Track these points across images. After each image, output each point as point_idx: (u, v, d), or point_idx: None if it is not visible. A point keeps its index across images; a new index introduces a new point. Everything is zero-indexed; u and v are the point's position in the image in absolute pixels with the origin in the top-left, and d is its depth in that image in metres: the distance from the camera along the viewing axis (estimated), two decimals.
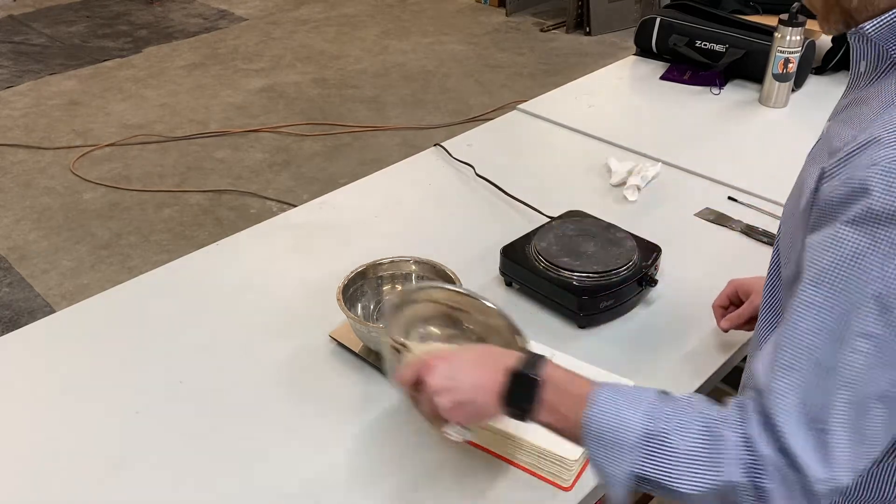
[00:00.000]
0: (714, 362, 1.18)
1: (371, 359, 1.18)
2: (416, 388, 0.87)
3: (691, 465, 0.72)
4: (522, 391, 0.80)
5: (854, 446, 0.70)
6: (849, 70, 0.82)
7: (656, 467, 0.73)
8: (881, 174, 0.67)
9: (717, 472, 0.72)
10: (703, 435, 0.73)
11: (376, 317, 1.26)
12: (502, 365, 0.82)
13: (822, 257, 0.71)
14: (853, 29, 0.78)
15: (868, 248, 0.68)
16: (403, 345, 0.93)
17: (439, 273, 1.24)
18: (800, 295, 0.72)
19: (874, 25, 0.76)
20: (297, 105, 4.08)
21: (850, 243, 0.69)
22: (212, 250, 1.47)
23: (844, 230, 0.70)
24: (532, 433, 1.02)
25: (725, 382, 1.35)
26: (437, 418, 0.87)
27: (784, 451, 0.70)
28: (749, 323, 1.14)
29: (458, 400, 0.83)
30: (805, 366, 0.71)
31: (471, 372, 0.84)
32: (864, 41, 0.77)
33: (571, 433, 0.79)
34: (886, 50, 0.76)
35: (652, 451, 0.73)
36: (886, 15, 0.75)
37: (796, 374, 0.71)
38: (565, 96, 2.06)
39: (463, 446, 1.05)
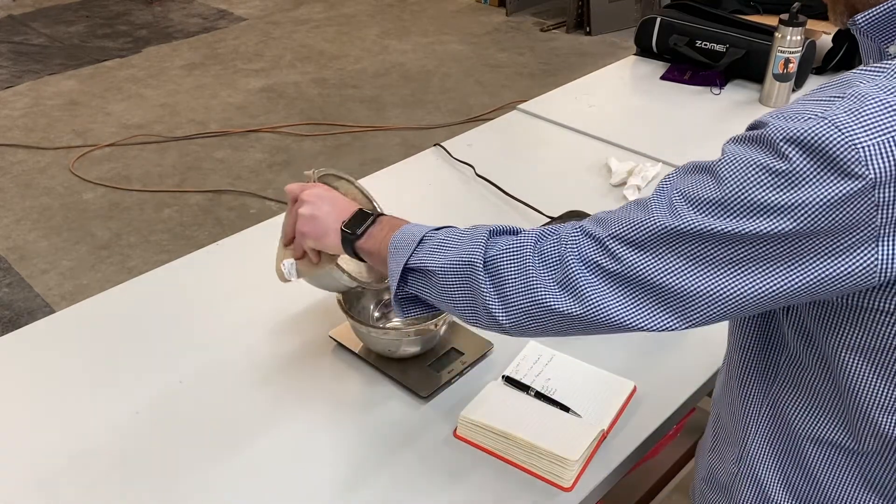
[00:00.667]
0: (715, 362, 1.18)
1: (371, 359, 1.18)
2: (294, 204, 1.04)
3: (443, 247, 0.85)
4: (358, 221, 0.97)
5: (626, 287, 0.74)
6: (849, 70, 0.81)
7: (419, 255, 0.87)
8: (777, 116, 0.68)
9: (461, 248, 0.83)
10: (463, 231, 0.86)
11: (377, 316, 1.26)
12: (354, 208, 1.00)
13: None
14: (851, 20, 0.77)
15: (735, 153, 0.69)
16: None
17: None
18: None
19: (865, 17, 0.75)
20: (297, 105, 4.08)
21: (727, 152, 0.71)
22: (212, 250, 1.47)
23: (726, 145, 0.72)
24: (532, 433, 1.02)
25: None
26: (289, 241, 1.05)
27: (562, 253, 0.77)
28: None
29: (313, 213, 1.00)
30: (626, 210, 0.76)
31: (335, 205, 1.01)
32: (862, 35, 0.77)
33: (382, 256, 0.92)
34: (883, 47, 0.75)
35: (422, 245, 0.87)
36: (880, 6, 0.74)
37: (619, 213, 0.76)
38: (565, 96, 2.06)
39: (466, 446, 1.05)
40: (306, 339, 1.24)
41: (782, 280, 0.68)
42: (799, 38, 1.84)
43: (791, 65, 1.86)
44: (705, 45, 2.05)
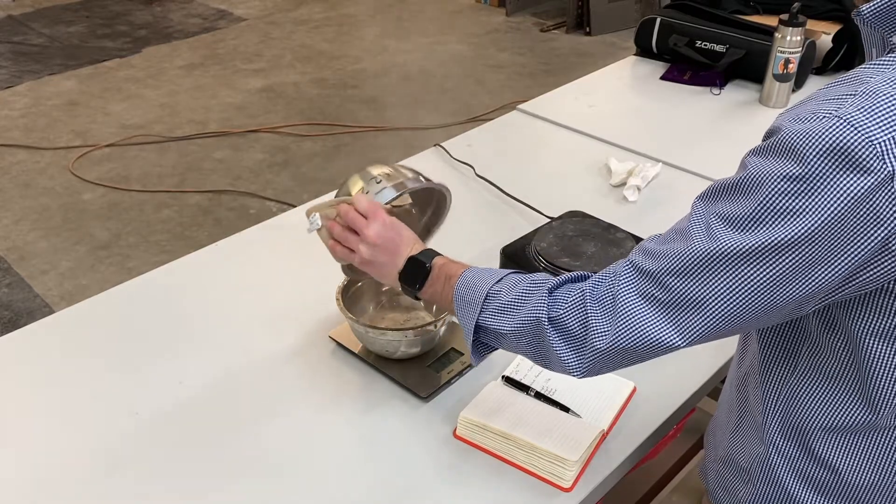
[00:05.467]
0: (715, 363, 1.18)
1: (371, 359, 1.18)
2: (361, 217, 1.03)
3: (508, 309, 0.88)
4: (414, 274, 1.00)
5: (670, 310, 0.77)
6: (848, 71, 0.82)
7: (487, 315, 0.90)
8: (790, 119, 0.71)
9: (526, 311, 0.86)
10: (525, 288, 0.88)
11: (372, 315, 1.26)
12: (407, 253, 1.01)
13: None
14: (856, 10, 0.79)
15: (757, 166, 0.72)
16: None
17: None
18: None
19: (869, 7, 0.77)
20: (297, 105, 4.07)
21: (749, 165, 0.73)
22: (211, 251, 1.47)
23: (747, 157, 0.75)
24: (532, 433, 1.02)
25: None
26: (339, 245, 1.05)
27: (606, 294, 0.81)
28: None
29: (373, 260, 1.02)
30: (667, 241, 0.79)
31: (395, 252, 1.02)
32: (866, 25, 0.78)
33: (447, 306, 0.96)
34: (886, 37, 0.77)
35: (488, 304, 0.90)
36: None
37: (659, 249, 0.79)
38: (565, 96, 2.05)
39: (466, 447, 1.05)
40: (306, 340, 1.23)
41: (818, 282, 0.71)
42: (799, 38, 1.84)
43: (791, 65, 1.86)
44: (705, 45, 2.05)
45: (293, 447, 1.06)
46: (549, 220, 1.45)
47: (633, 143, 1.78)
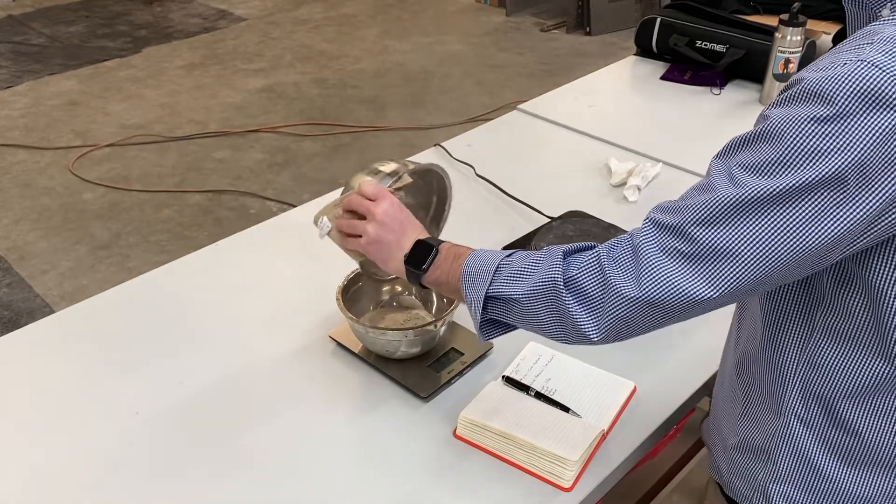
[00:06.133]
0: (715, 362, 1.18)
1: (371, 359, 1.18)
2: (368, 200, 1.02)
3: (522, 274, 0.87)
4: (421, 255, 0.98)
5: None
6: None
7: (498, 283, 0.88)
8: (811, 71, 0.72)
9: (540, 274, 0.85)
10: (539, 255, 0.88)
11: (372, 315, 1.26)
12: (415, 236, 1.00)
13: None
14: None
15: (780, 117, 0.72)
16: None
17: None
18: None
19: None
20: (297, 105, 4.07)
21: (771, 115, 0.73)
22: (211, 251, 1.47)
23: (766, 111, 0.74)
24: (532, 433, 1.02)
25: None
26: (345, 231, 1.04)
27: (625, 252, 0.80)
28: None
29: (379, 238, 1.00)
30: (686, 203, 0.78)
31: (402, 233, 1.01)
32: (857, 5, 0.80)
33: (453, 286, 0.95)
34: (875, 13, 0.79)
35: (499, 273, 0.89)
36: None
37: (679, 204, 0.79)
38: (565, 96, 2.05)
39: (466, 447, 1.05)
40: (306, 339, 1.23)
41: (848, 222, 0.71)
42: (799, 38, 1.84)
43: (791, 65, 1.86)
44: (705, 45, 2.05)
45: (293, 447, 1.06)
46: (549, 220, 1.45)
47: (633, 143, 1.78)
